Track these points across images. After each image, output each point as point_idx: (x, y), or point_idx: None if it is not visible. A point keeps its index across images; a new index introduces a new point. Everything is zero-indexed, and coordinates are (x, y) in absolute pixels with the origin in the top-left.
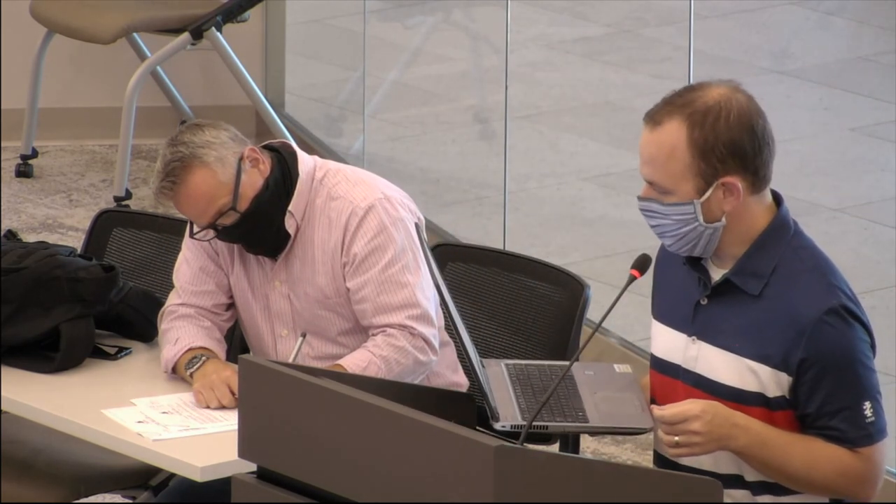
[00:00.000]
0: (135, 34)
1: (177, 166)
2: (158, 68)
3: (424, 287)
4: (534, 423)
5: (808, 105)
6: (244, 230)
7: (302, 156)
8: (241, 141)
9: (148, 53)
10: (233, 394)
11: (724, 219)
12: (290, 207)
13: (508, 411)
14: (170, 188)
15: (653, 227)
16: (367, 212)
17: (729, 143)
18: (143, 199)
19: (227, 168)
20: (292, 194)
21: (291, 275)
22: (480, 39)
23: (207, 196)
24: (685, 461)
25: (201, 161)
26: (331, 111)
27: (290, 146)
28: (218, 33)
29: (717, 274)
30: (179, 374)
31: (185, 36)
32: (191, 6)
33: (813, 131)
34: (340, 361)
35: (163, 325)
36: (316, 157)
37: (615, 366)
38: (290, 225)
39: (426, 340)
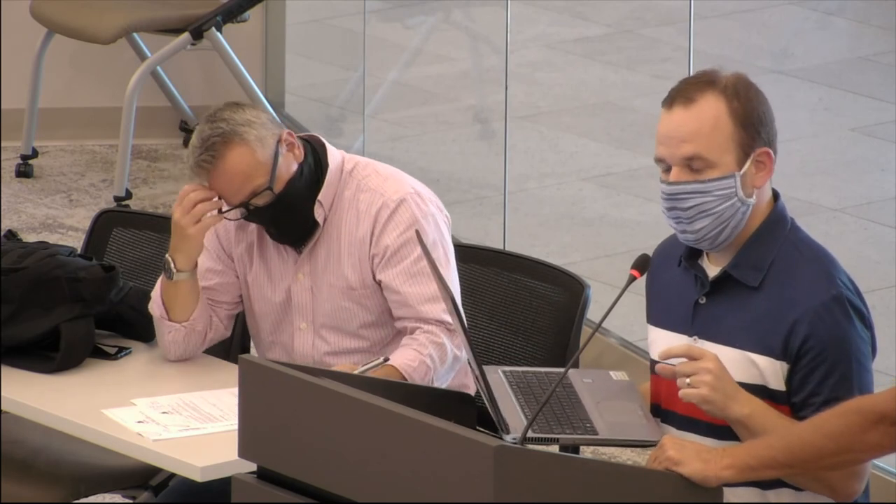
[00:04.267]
0: (135, 34)
1: (217, 141)
2: (158, 68)
3: (455, 283)
4: (544, 436)
5: (808, 105)
6: (275, 212)
7: (331, 148)
8: (278, 124)
9: (148, 53)
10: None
11: (755, 195)
12: (318, 197)
13: (516, 422)
14: (209, 162)
15: (688, 209)
16: (399, 204)
17: (763, 114)
18: (143, 199)
19: (265, 149)
20: (322, 184)
21: (316, 267)
22: (480, 39)
23: (245, 174)
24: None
25: (242, 139)
26: (331, 111)
27: (318, 138)
28: (218, 33)
29: (713, 272)
30: (166, 291)
31: (185, 36)
32: (191, 6)
33: (813, 131)
34: (392, 361)
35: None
36: (343, 151)
37: (611, 373)
38: (318, 214)
39: None
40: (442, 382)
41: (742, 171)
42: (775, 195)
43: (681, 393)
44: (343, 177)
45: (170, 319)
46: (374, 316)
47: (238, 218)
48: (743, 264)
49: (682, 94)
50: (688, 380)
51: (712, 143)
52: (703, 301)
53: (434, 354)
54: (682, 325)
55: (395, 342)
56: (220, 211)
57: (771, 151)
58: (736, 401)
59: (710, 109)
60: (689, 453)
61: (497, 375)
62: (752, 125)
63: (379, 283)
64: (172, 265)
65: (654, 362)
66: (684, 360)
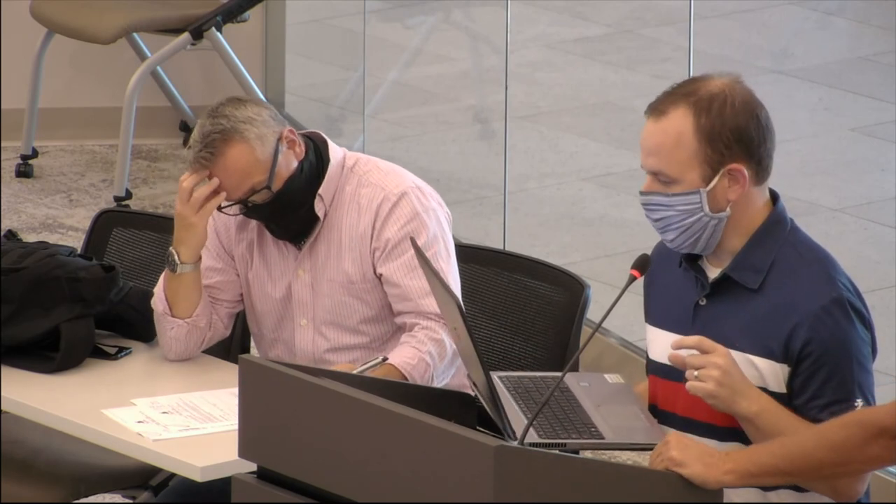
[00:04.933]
0: (135, 34)
1: (217, 138)
2: (158, 68)
3: (456, 277)
4: (552, 441)
5: (808, 105)
6: (274, 210)
7: (332, 144)
8: (280, 121)
9: (148, 53)
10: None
11: (728, 209)
12: (319, 191)
13: (519, 428)
14: (207, 159)
15: (656, 220)
16: (400, 198)
17: (735, 129)
18: (143, 199)
19: (265, 147)
20: (323, 179)
21: (316, 262)
22: (480, 39)
23: (243, 172)
24: None
25: (242, 136)
26: (331, 111)
27: (320, 135)
28: (218, 33)
29: (713, 273)
30: (169, 286)
31: (185, 36)
32: (191, 6)
33: (813, 131)
34: (391, 360)
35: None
36: (344, 149)
37: (606, 375)
38: (318, 208)
39: None
40: (442, 379)
41: (709, 187)
42: (774, 196)
43: (687, 385)
44: (344, 172)
45: (172, 315)
46: (374, 311)
47: (237, 214)
48: (743, 266)
49: (658, 104)
50: (696, 373)
51: (673, 160)
52: (703, 302)
53: (433, 351)
54: (681, 325)
55: (395, 338)
56: (218, 208)
57: (743, 168)
58: (745, 397)
59: (675, 125)
60: (692, 455)
61: (494, 380)
62: (722, 141)
63: (380, 278)
64: (176, 257)
65: (651, 362)
66: (695, 351)
